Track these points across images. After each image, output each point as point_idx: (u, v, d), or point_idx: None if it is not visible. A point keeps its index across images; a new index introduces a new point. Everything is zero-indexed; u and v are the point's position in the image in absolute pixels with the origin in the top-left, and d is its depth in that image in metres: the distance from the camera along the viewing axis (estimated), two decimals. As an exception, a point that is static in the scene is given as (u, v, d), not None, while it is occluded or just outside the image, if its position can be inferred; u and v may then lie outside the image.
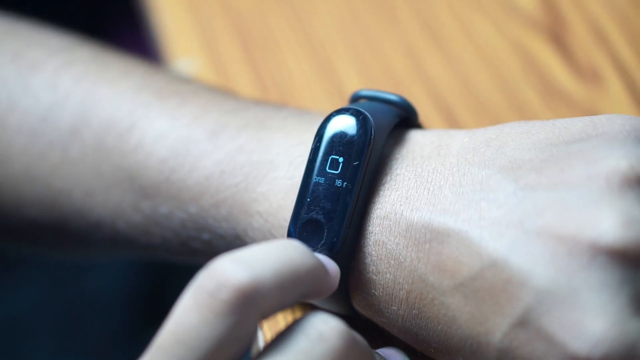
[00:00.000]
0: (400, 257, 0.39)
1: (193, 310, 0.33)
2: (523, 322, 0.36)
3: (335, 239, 0.39)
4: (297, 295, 0.35)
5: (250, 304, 0.33)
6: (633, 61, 0.54)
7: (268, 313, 0.34)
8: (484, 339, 0.37)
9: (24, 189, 0.49)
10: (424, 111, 0.53)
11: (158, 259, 0.49)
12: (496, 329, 0.36)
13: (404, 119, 0.43)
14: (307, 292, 0.36)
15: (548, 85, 0.54)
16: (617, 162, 0.36)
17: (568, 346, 0.35)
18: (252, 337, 0.34)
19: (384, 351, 0.41)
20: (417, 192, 0.39)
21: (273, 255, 0.34)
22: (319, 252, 0.39)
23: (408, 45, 0.57)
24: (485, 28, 0.57)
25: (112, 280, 1.01)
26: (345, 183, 0.39)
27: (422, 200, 0.39)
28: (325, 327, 0.34)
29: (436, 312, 0.38)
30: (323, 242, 0.39)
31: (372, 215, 0.40)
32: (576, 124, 0.39)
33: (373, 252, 0.39)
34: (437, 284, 0.38)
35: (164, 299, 0.93)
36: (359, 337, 0.36)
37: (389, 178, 0.40)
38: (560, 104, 0.53)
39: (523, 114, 0.53)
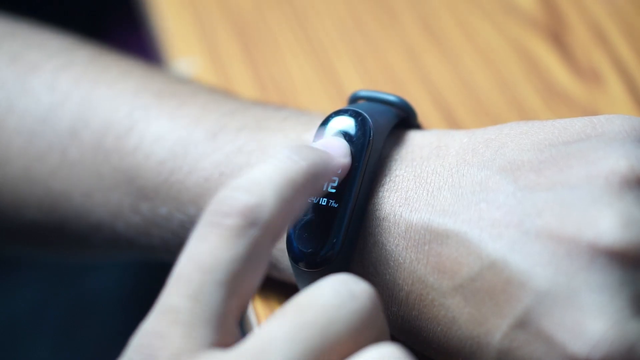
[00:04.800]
0: (400, 258, 0.39)
1: (205, 240, 0.33)
2: (523, 323, 0.36)
3: (334, 241, 0.39)
4: (304, 200, 0.36)
5: (258, 225, 0.34)
6: (633, 61, 0.54)
7: (278, 230, 0.35)
8: (484, 340, 0.37)
9: (23, 190, 0.49)
10: (423, 111, 0.53)
11: (158, 259, 0.49)
12: (496, 329, 0.36)
13: (403, 119, 0.43)
14: (316, 190, 0.37)
15: (548, 85, 0.54)
16: (616, 162, 0.36)
17: (568, 347, 0.35)
18: (266, 262, 0.34)
19: None
20: (416, 193, 0.39)
21: (269, 172, 0.35)
22: (319, 253, 0.39)
23: (408, 45, 0.57)
24: (485, 28, 0.57)
25: (111, 281, 1.01)
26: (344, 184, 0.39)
27: (422, 202, 0.39)
28: (356, 287, 0.34)
29: (436, 313, 0.38)
30: (322, 243, 0.39)
31: (371, 216, 0.40)
32: (575, 125, 0.39)
33: (372, 254, 0.39)
34: (437, 285, 0.38)
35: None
36: (382, 308, 0.35)
37: (388, 179, 0.40)
38: (560, 104, 0.53)
39: (523, 114, 0.53)
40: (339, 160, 0.38)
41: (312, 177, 0.36)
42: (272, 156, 0.36)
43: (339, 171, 0.39)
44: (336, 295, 0.33)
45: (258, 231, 0.34)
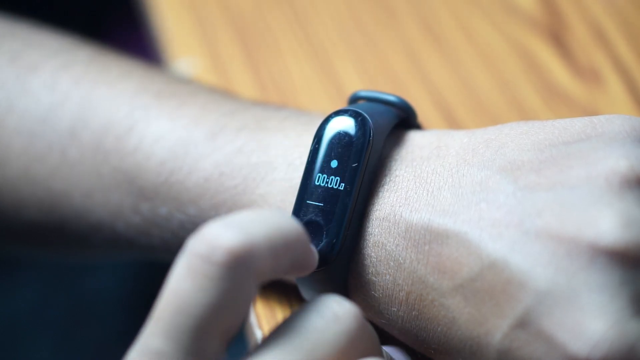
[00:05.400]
0: (400, 258, 0.39)
1: (187, 277, 0.32)
2: (523, 323, 0.36)
3: (334, 241, 0.39)
4: (288, 260, 0.34)
5: (245, 266, 0.32)
6: (633, 61, 0.54)
7: (263, 277, 0.34)
8: (484, 340, 0.37)
9: (23, 190, 0.49)
10: (423, 111, 0.53)
11: (158, 259, 0.49)
12: (496, 330, 0.36)
13: (403, 119, 0.43)
14: (295, 261, 0.35)
15: (548, 85, 0.54)
16: (616, 162, 0.36)
17: (568, 347, 0.35)
18: (250, 302, 0.33)
19: (387, 348, 0.41)
20: (416, 194, 0.39)
21: (263, 220, 0.34)
22: (319, 254, 0.39)
23: (408, 45, 0.57)
24: (485, 28, 0.57)
25: (111, 281, 1.01)
26: (344, 185, 0.39)
27: (422, 202, 0.39)
28: (340, 308, 0.34)
29: (436, 314, 0.38)
30: (322, 244, 0.39)
31: (371, 216, 0.40)
32: (575, 125, 0.39)
33: (372, 254, 0.39)
34: (437, 285, 0.38)
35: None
36: (369, 324, 0.35)
37: (388, 179, 0.40)
38: (560, 104, 0.53)
39: (523, 114, 0.53)
40: (315, 256, 0.36)
41: (301, 244, 0.35)
42: (267, 208, 0.35)
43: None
44: (320, 318, 0.34)
45: (244, 273, 0.33)
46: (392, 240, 0.39)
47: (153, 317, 0.33)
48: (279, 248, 0.34)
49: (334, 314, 0.34)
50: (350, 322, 0.34)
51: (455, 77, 0.55)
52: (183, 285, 0.32)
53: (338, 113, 0.40)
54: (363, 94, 0.43)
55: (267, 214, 0.34)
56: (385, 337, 0.41)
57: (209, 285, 0.32)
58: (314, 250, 0.36)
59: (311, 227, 0.39)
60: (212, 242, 0.32)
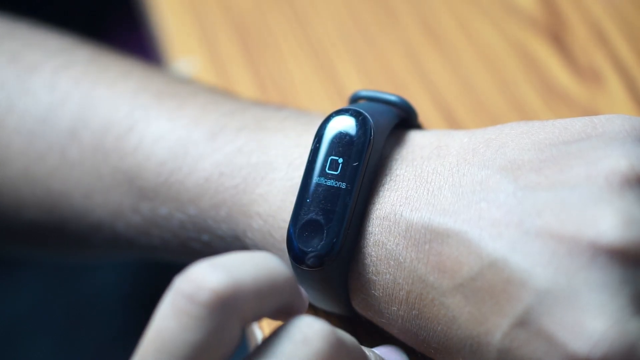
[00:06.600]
0: (400, 257, 0.39)
1: (172, 316, 0.32)
2: (523, 322, 0.36)
3: (334, 240, 0.39)
4: (274, 304, 0.35)
5: (230, 308, 0.33)
6: (633, 61, 0.54)
7: (248, 319, 0.34)
8: (484, 339, 0.37)
9: (23, 190, 0.49)
10: (424, 111, 0.53)
11: (158, 259, 0.49)
12: (496, 329, 0.36)
13: (404, 119, 0.43)
14: (283, 304, 0.35)
15: (548, 85, 0.54)
16: (616, 161, 0.36)
17: (568, 346, 0.35)
18: (235, 343, 0.33)
19: (381, 349, 0.41)
20: (416, 193, 0.39)
21: (251, 262, 0.34)
22: (319, 253, 0.39)
23: (408, 46, 0.57)
24: (485, 28, 0.57)
25: (111, 281, 1.01)
26: (344, 184, 0.39)
27: (422, 201, 0.39)
28: (309, 330, 0.34)
29: (436, 313, 0.38)
30: (322, 243, 0.39)
31: (371, 215, 0.40)
32: (576, 124, 0.39)
33: (373, 253, 0.39)
34: (437, 284, 0.38)
35: (164, 300, 0.93)
36: (347, 338, 0.35)
37: (388, 179, 0.40)
38: (560, 104, 0.53)
39: (523, 114, 0.53)
40: (305, 299, 0.37)
41: (289, 287, 0.35)
42: (257, 252, 0.35)
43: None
44: (289, 342, 0.34)
45: (228, 314, 0.33)
46: (392, 239, 0.39)
47: (137, 354, 0.33)
48: (265, 291, 0.34)
49: (303, 336, 0.34)
50: (320, 344, 0.34)
51: (455, 77, 0.55)
52: (167, 324, 0.32)
53: (339, 112, 0.41)
54: (363, 93, 0.43)
55: (256, 256, 0.34)
56: (385, 337, 0.41)
57: (192, 325, 0.32)
58: (304, 294, 0.36)
59: (312, 226, 0.39)
60: (197, 282, 0.32)
